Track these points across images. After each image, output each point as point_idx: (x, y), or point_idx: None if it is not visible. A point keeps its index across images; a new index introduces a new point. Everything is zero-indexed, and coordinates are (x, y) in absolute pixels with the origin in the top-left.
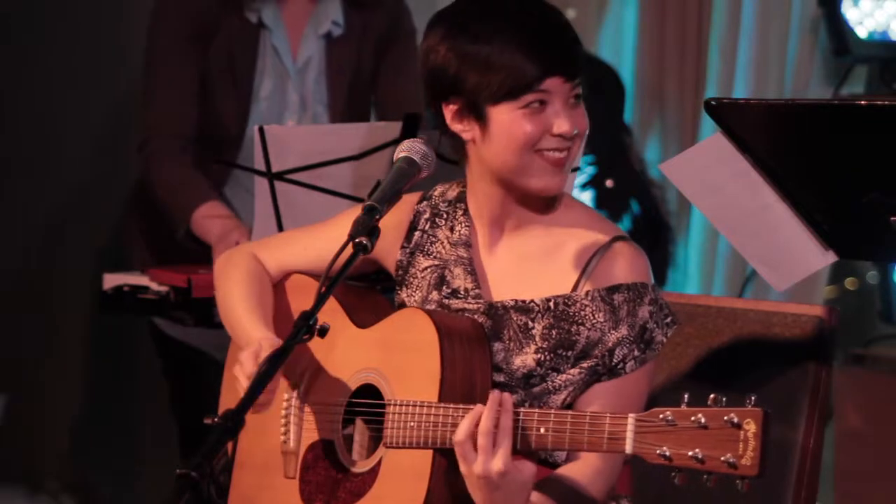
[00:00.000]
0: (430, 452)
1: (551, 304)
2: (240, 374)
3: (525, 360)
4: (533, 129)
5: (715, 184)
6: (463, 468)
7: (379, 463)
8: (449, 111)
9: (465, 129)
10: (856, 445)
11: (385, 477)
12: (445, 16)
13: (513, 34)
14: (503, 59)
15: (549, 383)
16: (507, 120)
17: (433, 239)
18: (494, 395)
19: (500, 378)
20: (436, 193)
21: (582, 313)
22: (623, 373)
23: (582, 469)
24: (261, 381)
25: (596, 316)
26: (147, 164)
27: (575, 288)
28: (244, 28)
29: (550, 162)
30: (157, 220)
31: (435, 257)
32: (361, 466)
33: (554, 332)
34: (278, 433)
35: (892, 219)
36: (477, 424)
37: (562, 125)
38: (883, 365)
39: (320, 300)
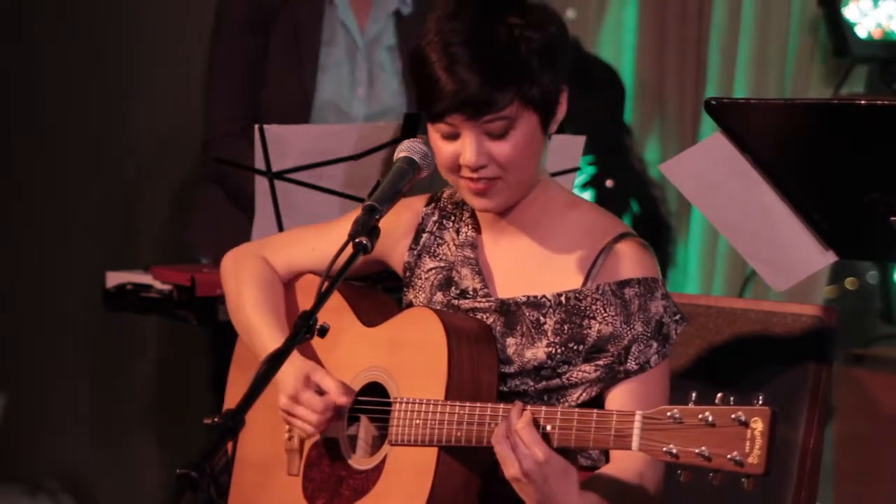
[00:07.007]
0: (434, 450)
1: (562, 298)
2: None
3: (536, 353)
4: (448, 153)
5: (715, 184)
6: (508, 472)
7: (383, 460)
8: None
9: None
10: (856, 445)
11: (389, 474)
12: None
13: (438, 61)
14: (424, 83)
15: (565, 378)
16: (434, 139)
17: (440, 241)
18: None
19: (512, 369)
20: (444, 196)
21: (593, 307)
22: (648, 367)
23: (628, 467)
24: (262, 381)
25: (607, 310)
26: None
27: (583, 285)
28: (310, 2)
29: (469, 187)
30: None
31: (441, 259)
32: (365, 464)
33: (566, 327)
34: (282, 431)
35: (892, 219)
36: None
37: (464, 157)
38: (883, 365)
39: (320, 300)
